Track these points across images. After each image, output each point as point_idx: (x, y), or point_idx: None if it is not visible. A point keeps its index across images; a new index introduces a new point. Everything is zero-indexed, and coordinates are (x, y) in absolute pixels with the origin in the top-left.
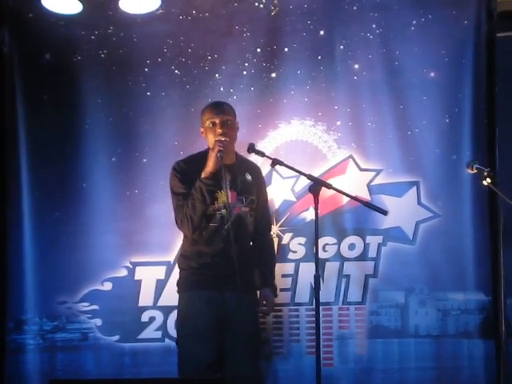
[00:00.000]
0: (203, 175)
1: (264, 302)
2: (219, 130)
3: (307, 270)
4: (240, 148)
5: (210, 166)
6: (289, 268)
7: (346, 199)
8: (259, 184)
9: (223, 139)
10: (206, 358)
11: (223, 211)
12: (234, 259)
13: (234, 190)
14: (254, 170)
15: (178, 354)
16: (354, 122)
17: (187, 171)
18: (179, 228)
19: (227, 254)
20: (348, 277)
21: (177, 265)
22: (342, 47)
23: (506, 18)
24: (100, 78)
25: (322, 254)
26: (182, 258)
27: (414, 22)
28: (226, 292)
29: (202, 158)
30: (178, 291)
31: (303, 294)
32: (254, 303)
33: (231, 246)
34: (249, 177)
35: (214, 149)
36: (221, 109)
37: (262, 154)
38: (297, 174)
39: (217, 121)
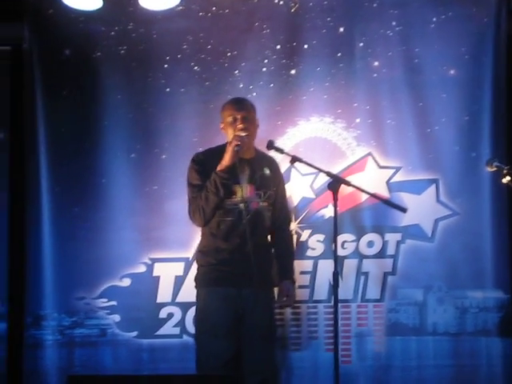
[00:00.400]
0: (219, 168)
1: (285, 295)
2: (240, 125)
3: (326, 267)
4: (259, 145)
5: (226, 159)
6: (307, 265)
7: (364, 196)
8: (278, 179)
9: (242, 134)
10: (224, 355)
11: (241, 205)
12: (250, 255)
13: (253, 185)
14: (273, 164)
15: (195, 351)
16: (374, 120)
17: (205, 163)
18: (191, 219)
19: (244, 249)
20: (366, 274)
21: (195, 261)
22: (361, 44)
23: None
24: (119, 74)
25: (340, 251)
26: (200, 253)
27: (434, 19)
28: (243, 288)
29: (220, 151)
30: (196, 287)
31: (322, 291)
32: (270, 300)
33: (248, 241)
34: (267, 171)
35: (232, 143)
36: (242, 105)
37: (281, 150)
38: (316, 170)
39: (238, 116)
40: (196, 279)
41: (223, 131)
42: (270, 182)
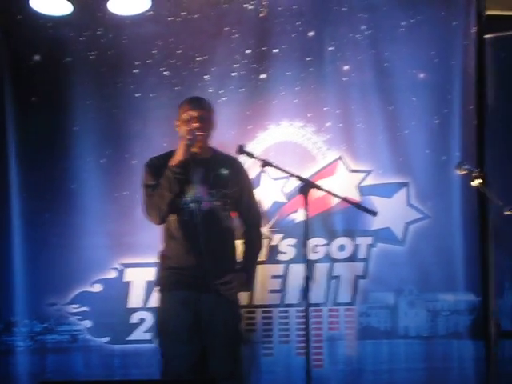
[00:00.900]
0: (171, 163)
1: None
2: (195, 124)
3: (297, 272)
4: (229, 149)
5: (178, 154)
6: (279, 269)
7: (335, 200)
8: (239, 178)
9: (197, 133)
10: (185, 359)
11: (192, 205)
12: (204, 257)
13: (205, 185)
14: (233, 164)
15: (159, 356)
16: (344, 124)
17: (158, 165)
18: (147, 218)
19: (199, 251)
20: (338, 278)
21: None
22: (331, 48)
23: (494, 20)
24: (89, 79)
25: (311, 256)
26: (162, 256)
27: (404, 23)
28: (202, 293)
29: (173, 154)
30: (158, 291)
31: (293, 295)
32: (231, 304)
33: (202, 243)
34: (225, 171)
35: (184, 138)
36: (199, 104)
37: (251, 155)
38: (286, 175)
39: (194, 115)
40: (157, 283)
41: (177, 129)
42: (228, 182)
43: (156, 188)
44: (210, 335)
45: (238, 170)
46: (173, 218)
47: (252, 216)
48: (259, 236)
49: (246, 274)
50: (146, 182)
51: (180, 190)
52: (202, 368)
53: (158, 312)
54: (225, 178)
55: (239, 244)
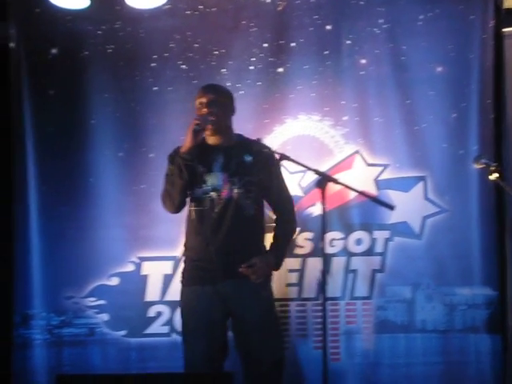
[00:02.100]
0: (181, 150)
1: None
2: (205, 109)
3: (314, 265)
4: None
5: (187, 140)
6: (296, 263)
7: (352, 194)
8: (265, 166)
9: (207, 117)
10: (207, 353)
11: (212, 194)
12: (222, 245)
13: (226, 172)
14: (260, 151)
15: (183, 349)
16: (361, 117)
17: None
18: (163, 207)
19: (217, 240)
20: (355, 272)
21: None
22: (348, 42)
23: None
24: (107, 73)
25: (328, 249)
26: (184, 247)
27: (421, 16)
28: (220, 283)
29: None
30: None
31: (310, 289)
32: (256, 288)
33: (219, 231)
34: (248, 158)
35: (191, 124)
36: (210, 88)
37: (268, 149)
38: (304, 169)
39: (204, 100)
40: (181, 275)
41: None
42: (252, 169)
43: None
44: (238, 322)
45: (266, 157)
46: (192, 208)
47: (283, 202)
48: (290, 220)
49: (273, 257)
50: (167, 171)
51: (191, 177)
52: (222, 360)
53: (180, 307)
54: (249, 165)
55: (270, 234)
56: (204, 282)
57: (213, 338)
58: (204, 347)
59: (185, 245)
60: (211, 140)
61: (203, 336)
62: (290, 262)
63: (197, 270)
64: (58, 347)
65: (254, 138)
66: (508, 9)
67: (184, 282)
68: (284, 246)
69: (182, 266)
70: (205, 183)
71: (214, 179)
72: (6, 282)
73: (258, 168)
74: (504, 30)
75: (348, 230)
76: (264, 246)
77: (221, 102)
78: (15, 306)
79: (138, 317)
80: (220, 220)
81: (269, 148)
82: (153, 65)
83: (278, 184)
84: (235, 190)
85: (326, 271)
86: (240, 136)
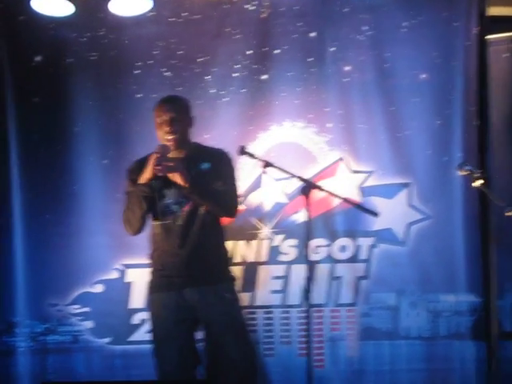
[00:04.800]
0: (140, 181)
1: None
2: (166, 128)
3: (298, 272)
4: (231, 150)
5: (147, 172)
6: (280, 270)
7: (337, 201)
8: (222, 170)
9: (168, 142)
10: (178, 360)
11: (174, 207)
12: (187, 256)
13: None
14: (216, 157)
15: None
16: (346, 124)
17: (135, 172)
18: (124, 227)
19: (182, 250)
20: (339, 279)
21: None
22: (333, 49)
23: (496, 20)
24: (91, 80)
25: (313, 256)
26: (149, 258)
27: (405, 23)
28: (186, 290)
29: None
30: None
31: (294, 295)
32: (221, 293)
33: (184, 244)
34: (205, 165)
35: (152, 156)
36: (169, 105)
37: (252, 156)
38: (288, 175)
39: (165, 118)
40: (147, 285)
41: (156, 131)
42: (209, 176)
43: (129, 199)
44: (206, 328)
45: (220, 161)
46: (156, 222)
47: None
48: (232, 203)
49: (194, 180)
50: (126, 188)
51: (151, 205)
52: (193, 366)
53: (148, 314)
54: (207, 172)
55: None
56: (170, 289)
57: (182, 346)
58: (174, 355)
59: (151, 255)
60: (171, 154)
61: (172, 343)
62: (274, 269)
63: (164, 278)
64: (42, 355)
65: (238, 145)
66: (491, 16)
67: (151, 290)
68: (209, 192)
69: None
70: (166, 197)
71: (175, 193)
72: None
73: (214, 173)
74: (488, 37)
75: (332, 236)
76: (225, 250)
77: (181, 119)
78: None
79: (122, 324)
80: (185, 232)
81: (223, 151)
82: (136, 72)
83: (225, 186)
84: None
85: (310, 278)
86: (197, 145)
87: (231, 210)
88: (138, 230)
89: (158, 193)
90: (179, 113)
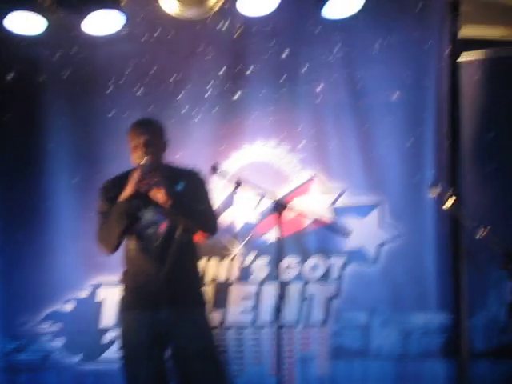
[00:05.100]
0: (121, 198)
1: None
2: (141, 151)
3: (269, 291)
4: (202, 169)
5: (128, 189)
6: (251, 289)
7: (309, 220)
8: (195, 189)
9: (143, 162)
10: (147, 379)
11: (149, 230)
12: (165, 276)
13: (161, 205)
14: (189, 177)
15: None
16: (318, 143)
17: (111, 190)
18: (98, 246)
19: (160, 271)
20: (311, 298)
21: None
22: (305, 69)
23: (468, 43)
24: (63, 98)
25: (284, 275)
26: (122, 277)
27: (377, 44)
28: (160, 311)
29: (127, 177)
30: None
31: (266, 315)
32: (195, 317)
33: (162, 265)
34: (180, 186)
35: (135, 173)
36: (144, 128)
37: (224, 175)
38: (260, 194)
39: (140, 141)
40: (118, 303)
41: (130, 154)
42: (183, 197)
43: (107, 217)
44: (177, 351)
45: (194, 181)
46: (132, 244)
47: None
48: (212, 221)
49: (175, 199)
50: (99, 208)
51: (130, 223)
52: None
53: (119, 332)
54: (181, 194)
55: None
56: (146, 308)
57: (154, 366)
58: (146, 375)
59: (124, 275)
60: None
61: (145, 364)
62: (245, 288)
63: (139, 297)
64: (12, 373)
65: (210, 164)
66: (463, 38)
67: (123, 307)
68: (190, 210)
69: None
70: (142, 219)
71: (151, 214)
72: None
73: (190, 193)
74: (460, 58)
75: (304, 255)
76: (199, 271)
77: (156, 140)
78: None
79: (93, 342)
80: (162, 252)
81: (195, 171)
82: (108, 91)
83: (203, 201)
84: (172, 222)
85: (281, 297)
86: (170, 166)
87: (213, 228)
88: (115, 249)
89: (137, 213)
90: (153, 136)
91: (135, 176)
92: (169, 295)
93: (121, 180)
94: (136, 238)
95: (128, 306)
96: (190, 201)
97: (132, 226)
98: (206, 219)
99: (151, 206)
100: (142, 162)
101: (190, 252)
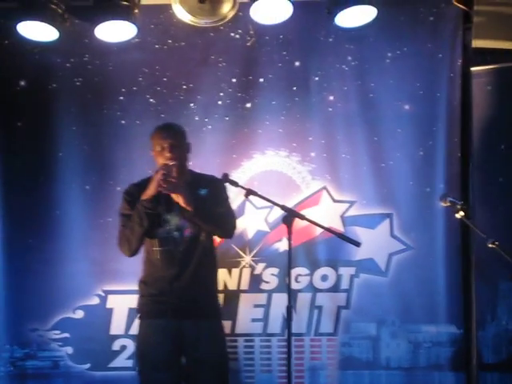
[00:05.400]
0: (143, 197)
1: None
2: (167, 154)
3: (280, 301)
4: None
5: (150, 188)
6: (261, 298)
7: (319, 230)
8: (218, 196)
9: (171, 163)
10: None
11: (175, 233)
12: (188, 284)
13: (183, 209)
14: (211, 183)
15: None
16: (329, 154)
17: (135, 194)
18: (119, 249)
19: (183, 278)
20: (320, 308)
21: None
22: (317, 78)
23: (481, 53)
24: (75, 105)
25: (294, 285)
26: (142, 284)
27: (390, 54)
28: (184, 320)
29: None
30: (138, 318)
31: (275, 324)
32: (215, 330)
33: (186, 270)
34: (203, 192)
35: (158, 173)
36: (169, 132)
37: (235, 184)
38: (270, 204)
39: (165, 145)
40: (138, 310)
41: (155, 159)
42: (206, 202)
43: (129, 219)
44: (194, 362)
45: (215, 187)
46: (156, 248)
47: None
48: (231, 222)
49: (197, 205)
50: (122, 210)
51: (152, 224)
52: None
53: (138, 339)
54: (204, 199)
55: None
56: (164, 316)
57: (176, 376)
58: (165, 380)
59: (144, 281)
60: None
61: (167, 373)
62: (255, 297)
63: (158, 304)
64: (21, 380)
65: (221, 172)
66: (476, 48)
67: (143, 315)
68: (211, 214)
69: (138, 301)
70: (167, 223)
71: (176, 219)
72: None
73: (212, 198)
74: (472, 68)
75: (314, 266)
76: (218, 277)
77: (180, 144)
78: None
79: (103, 350)
80: (187, 258)
81: (217, 178)
82: (121, 98)
83: (221, 209)
84: (196, 227)
85: (291, 307)
86: (192, 172)
87: (231, 231)
88: (136, 251)
89: (160, 218)
90: (177, 139)
91: (158, 176)
92: (190, 305)
93: (145, 184)
94: (160, 242)
95: (147, 312)
96: (211, 205)
97: (153, 228)
98: (225, 223)
99: (175, 210)
100: (170, 163)
101: (212, 256)
